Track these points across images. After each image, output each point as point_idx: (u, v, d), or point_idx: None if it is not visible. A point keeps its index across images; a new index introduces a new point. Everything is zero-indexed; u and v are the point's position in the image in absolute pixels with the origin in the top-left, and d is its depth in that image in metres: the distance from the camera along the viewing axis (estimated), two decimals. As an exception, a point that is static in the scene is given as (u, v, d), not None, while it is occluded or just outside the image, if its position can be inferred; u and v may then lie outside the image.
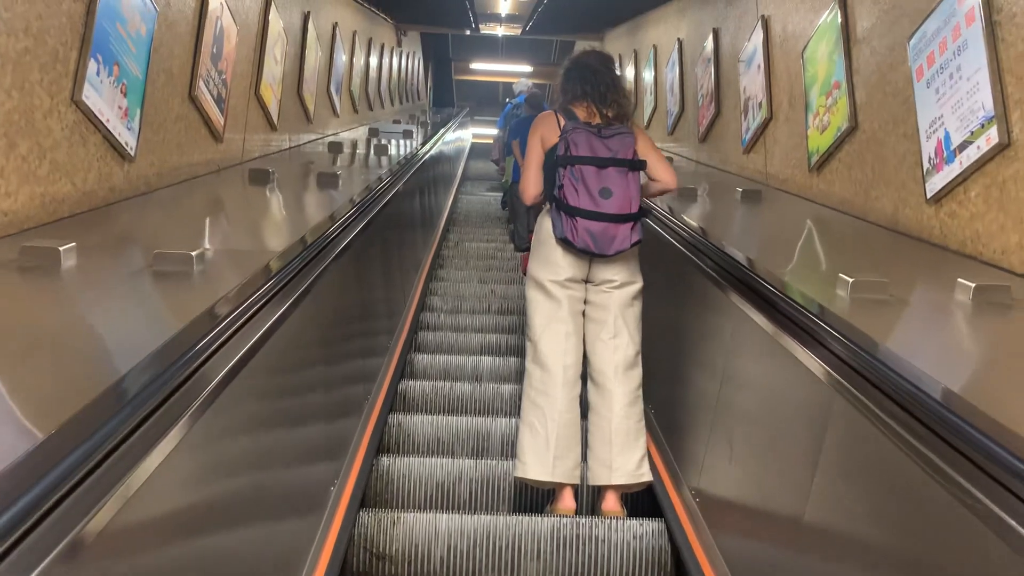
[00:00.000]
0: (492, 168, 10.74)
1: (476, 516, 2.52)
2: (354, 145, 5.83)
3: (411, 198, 5.22)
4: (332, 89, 6.29)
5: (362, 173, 4.53)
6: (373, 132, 6.73)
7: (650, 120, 7.49)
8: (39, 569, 0.88)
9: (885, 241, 2.88)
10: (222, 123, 3.69)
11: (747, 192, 3.74)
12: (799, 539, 1.78)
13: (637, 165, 2.71)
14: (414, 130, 7.53)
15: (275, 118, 4.55)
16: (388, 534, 2.49)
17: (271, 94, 4.45)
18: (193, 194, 3.23)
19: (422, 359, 4.04)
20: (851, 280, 1.91)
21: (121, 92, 2.69)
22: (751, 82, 4.50)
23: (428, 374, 3.96)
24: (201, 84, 3.43)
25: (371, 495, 2.83)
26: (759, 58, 4.38)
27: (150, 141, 3.00)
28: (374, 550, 2.47)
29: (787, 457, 1.92)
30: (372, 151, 5.46)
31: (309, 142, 5.34)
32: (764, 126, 4.25)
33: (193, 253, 1.84)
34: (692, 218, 3.33)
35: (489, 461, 2.95)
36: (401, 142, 6.57)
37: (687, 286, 2.99)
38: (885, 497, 1.44)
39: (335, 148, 4.94)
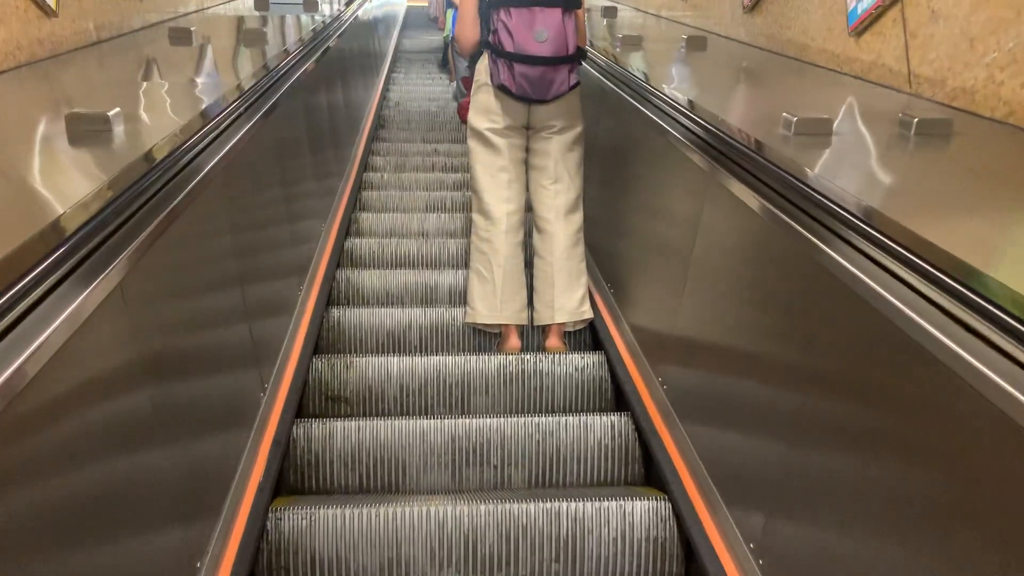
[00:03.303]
0: (436, 42, 9.63)
1: (426, 358, 2.63)
2: (220, 29, 3.96)
3: (291, 122, 3.12)
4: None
5: (188, 96, 2.25)
6: (261, 4, 4.78)
7: None
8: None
9: None
10: None
11: (925, 124, 1.75)
12: (730, 364, 1.90)
13: (572, 4, 2.67)
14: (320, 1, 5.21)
15: (52, -6, 2.42)
16: (342, 378, 2.59)
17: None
18: None
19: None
20: None
21: None
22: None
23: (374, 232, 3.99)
24: None
25: (324, 345, 2.92)
26: None
27: None
28: (330, 393, 2.58)
29: (719, 291, 2.02)
30: (241, 40, 3.55)
31: (141, 29, 3.26)
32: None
33: None
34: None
35: (438, 309, 3.04)
36: (293, 22, 4.55)
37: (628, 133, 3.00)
38: (816, 323, 1.49)
39: (179, 38, 3.02)
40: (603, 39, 4.15)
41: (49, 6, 2.49)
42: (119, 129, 1.61)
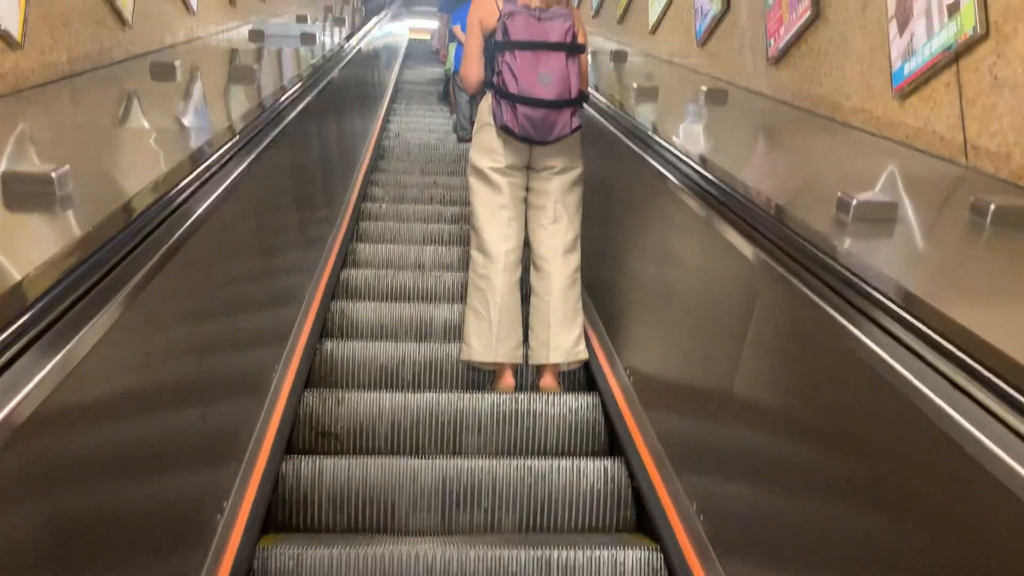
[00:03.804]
0: (437, 74, 9.68)
1: (419, 395, 2.61)
2: (210, 62, 3.69)
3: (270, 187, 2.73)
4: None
5: (163, 144, 2.04)
6: (256, 36, 4.41)
7: (659, 22, 4.67)
8: None
9: None
10: None
11: (1005, 213, 1.50)
12: (727, 412, 1.89)
13: (576, 49, 2.69)
14: (318, 33, 4.93)
15: (14, 26, 2.23)
16: (333, 413, 2.57)
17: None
18: None
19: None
20: None
21: None
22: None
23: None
24: None
25: (315, 378, 2.89)
26: None
27: None
28: (320, 429, 2.55)
29: (716, 337, 2.02)
30: (231, 75, 3.19)
31: (123, 61, 3.00)
32: (964, 52, 2.00)
33: None
34: None
35: (432, 344, 3.03)
36: (291, 55, 4.31)
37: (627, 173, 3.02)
38: (812, 374, 1.49)
39: (161, 73, 2.74)
40: (614, 87, 3.98)
41: (12, 37, 2.21)
42: (65, 192, 1.33)
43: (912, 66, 2.23)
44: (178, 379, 1.69)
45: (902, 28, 2.28)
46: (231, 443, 2.02)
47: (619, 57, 4.75)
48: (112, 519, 1.31)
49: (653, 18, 4.66)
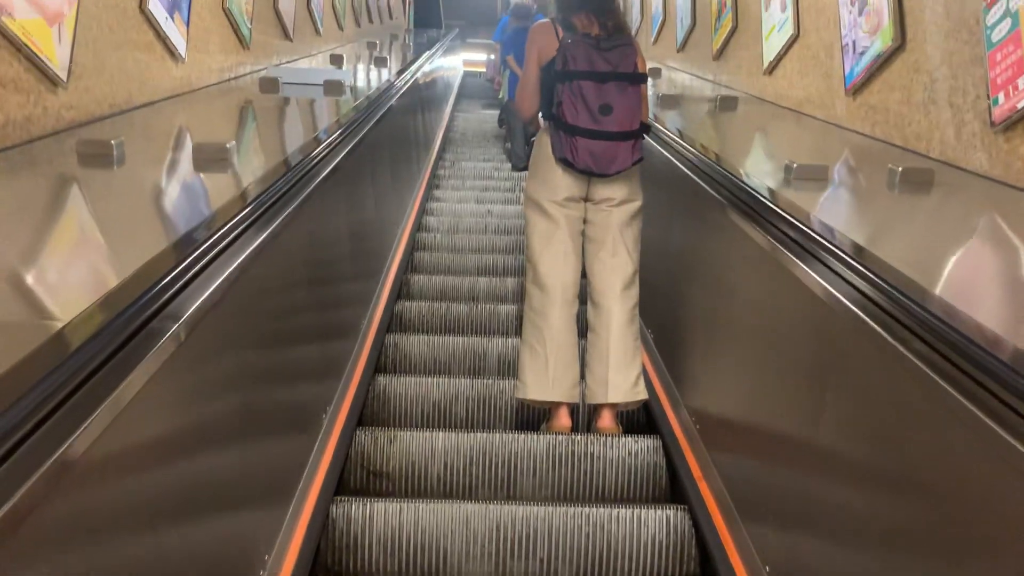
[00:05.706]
0: (493, 103, 9.59)
1: (472, 434, 2.53)
2: (199, 122, 2.90)
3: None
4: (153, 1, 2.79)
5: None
6: (268, 86, 3.57)
7: (779, 59, 3.66)
8: (18, 494, 0.84)
9: None
10: None
11: None
12: (803, 461, 1.77)
13: (638, 79, 2.62)
14: (346, 80, 4.03)
15: None
16: (385, 452, 2.50)
17: None
18: None
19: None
20: None
21: None
22: None
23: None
24: None
25: (368, 415, 2.84)
26: None
27: None
28: (371, 468, 2.49)
29: (785, 377, 1.90)
30: (208, 149, 2.05)
31: (51, 135, 2.17)
32: None
33: None
34: None
35: (486, 380, 2.95)
36: (299, 119, 3.47)
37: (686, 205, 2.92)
38: (887, 417, 1.40)
39: (94, 154, 1.93)
40: (736, 153, 3.04)
41: None
42: None
43: None
44: (227, 416, 1.65)
45: None
46: (282, 484, 1.96)
47: (728, 104, 3.76)
48: (156, 553, 1.27)
49: (770, 54, 3.67)
